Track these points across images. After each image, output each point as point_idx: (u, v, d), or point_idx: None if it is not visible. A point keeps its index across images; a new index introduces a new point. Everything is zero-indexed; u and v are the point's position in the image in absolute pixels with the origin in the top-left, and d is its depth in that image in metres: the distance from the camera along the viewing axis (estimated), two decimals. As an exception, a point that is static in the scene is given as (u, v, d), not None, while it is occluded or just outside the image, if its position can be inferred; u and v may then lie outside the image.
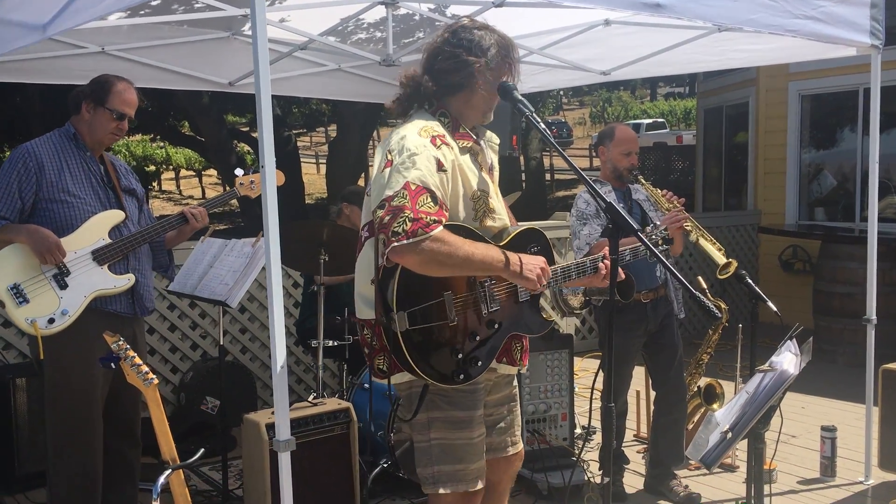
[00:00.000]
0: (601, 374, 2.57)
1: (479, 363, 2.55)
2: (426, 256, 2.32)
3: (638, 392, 5.14)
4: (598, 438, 5.15)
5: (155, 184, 29.77)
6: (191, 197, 29.98)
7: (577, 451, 4.67)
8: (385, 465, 4.23)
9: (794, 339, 2.54)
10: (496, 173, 2.79)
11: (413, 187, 2.35)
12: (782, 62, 4.99)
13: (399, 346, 2.42)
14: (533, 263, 2.53)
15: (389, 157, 2.46)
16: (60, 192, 3.32)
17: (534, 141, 21.49)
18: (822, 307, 7.19)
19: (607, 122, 40.28)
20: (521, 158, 16.98)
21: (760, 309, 3.72)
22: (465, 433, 2.61)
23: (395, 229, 2.30)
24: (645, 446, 4.98)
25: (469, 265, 2.42)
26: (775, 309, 3.57)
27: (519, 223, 2.78)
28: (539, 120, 2.54)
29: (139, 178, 3.83)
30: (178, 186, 31.10)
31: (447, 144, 2.51)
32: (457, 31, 2.62)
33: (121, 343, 2.59)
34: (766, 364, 2.17)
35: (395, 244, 2.30)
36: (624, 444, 4.80)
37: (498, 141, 2.85)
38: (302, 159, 18.78)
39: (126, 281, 3.40)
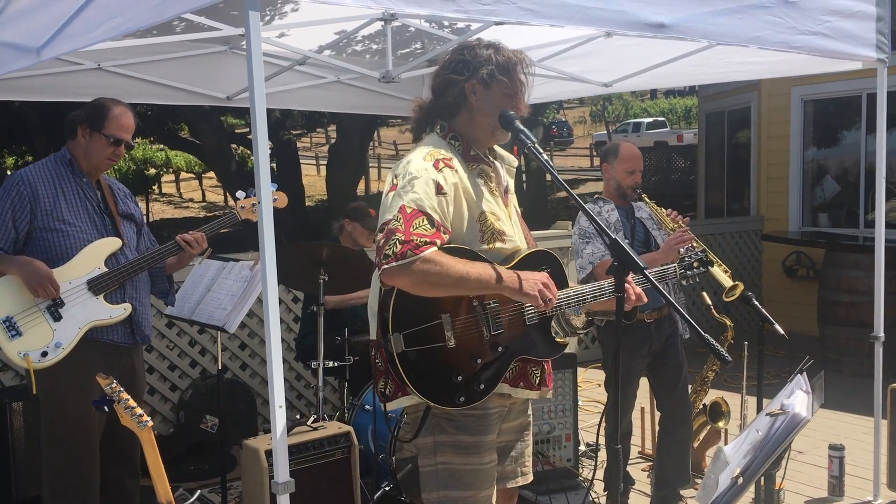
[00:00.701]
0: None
1: (482, 387, 2.50)
2: (416, 278, 2.31)
3: (643, 408, 5.08)
4: (602, 455, 5.10)
5: (155, 187, 29.73)
6: (191, 200, 29.96)
7: (581, 470, 4.63)
8: (387, 489, 4.18)
9: (805, 374, 2.48)
10: (512, 196, 2.75)
11: (409, 210, 2.35)
12: (786, 75, 4.92)
13: (396, 367, 2.41)
14: (533, 279, 2.46)
15: (395, 181, 2.47)
16: (56, 220, 3.25)
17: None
18: (827, 316, 7.12)
19: (607, 121, 40.28)
20: (522, 159, 16.93)
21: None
22: (473, 458, 2.56)
23: (386, 251, 2.31)
24: (650, 464, 4.93)
25: (464, 285, 2.39)
26: (782, 332, 3.52)
27: (530, 247, 2.72)
28: (541, 151, 2.48)
29: (136, 202, 3.75)
30: (178, 189, 31.08)
31: (451, 168, 2.49)
32: (455, 51, 2.64)
33: (114, 385, 2.53)
34: (778, 406, 2.12)
35: (385, 266, 2.31)
36: (629, 463, 4.74)
37: (516, 163, 2.82)
38: (302, 161, 18.73)
39: (122, 311, 3.33)
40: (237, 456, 4.82)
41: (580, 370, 5.55)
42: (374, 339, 2.55)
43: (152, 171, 29.01)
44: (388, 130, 34.73)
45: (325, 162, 19.77)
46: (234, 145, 17.52)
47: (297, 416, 6.13)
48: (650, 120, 35.53)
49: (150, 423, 2.53)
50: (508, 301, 2.52)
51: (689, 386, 4.80)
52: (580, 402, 4.73)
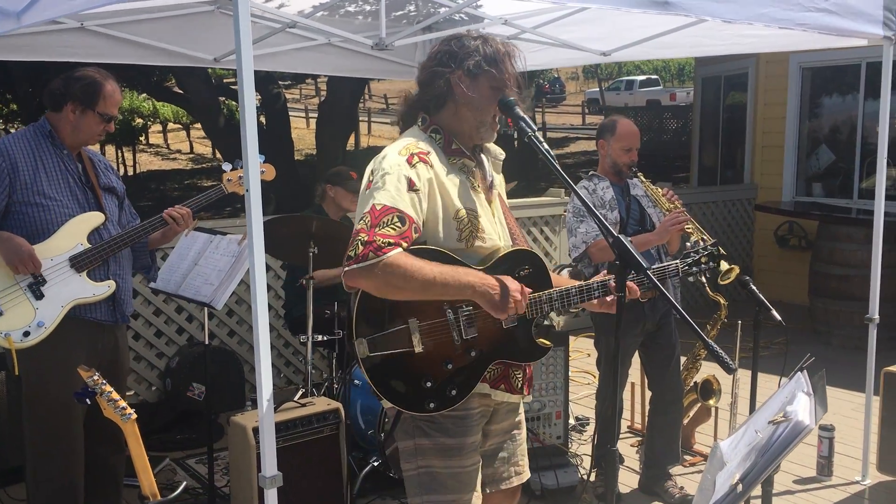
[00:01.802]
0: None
1: (454, 392, 2.40)
2: (379, 281, 2.23)
3: (633, 384, 5.06)
4: (590, 430, 5.10)
5: (142, 138, 29.37)
6: (179, 151, 29.65)
7: (571, 445, 4.61)
8: (375, 464, 4.15)
9: (806, 372, 2.42)
10: (499, 190, 2.65)
11: (378, 207, 2.27)
12: (788, 49, 4.81)
13: (363, 371, 2.34)
14: (506, 289, 2.34)
15: (371, 177, 2.38)
16: (35, 194, 3.14)
17: (526, 99, 21.27)
18: (819, 288, 7.11)
19: (600, 78, 39.88)
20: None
21: (758, 285, 3.67)
22: (455, 461, 2.48)
23: (349, 253, 2.23)
24: (639, 439, 4.92)
25: (430, 289, 2.28)
26: (779, 318, 3.47)
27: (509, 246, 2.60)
28: (542, 140, 2.38)
29: (117, 173, 3.63)
30: (165, 140, 30.73)
31: (426, 162, 2.38)
32: (443, 42, 2.54)
33: (96, 378, 2.46)
34: (780, 414, 2.07)
35: (347, 268, 2.23)
36: (619, 438, 4.73)
37: (503, 156, 2.69)
38: (291, 113, 18.46)
39: (106, 288, 3.24)
40: (224, 425, 4.79)
41: (570, 338, 5.52)
42: None
43: (139, 121, 28.57)
44: (379, 84, 34.34)
45: (315, 115, 19.51)
46: (222, 98, 17.19)
47: (286, 385, 6.11)
48: (643, 78, 35.22)
49: (134, 416, 2.46)
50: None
51: (682, 363, 4.79)
52: (569, 373, 4.70)
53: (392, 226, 2.24)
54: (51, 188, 3.18)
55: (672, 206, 3.90)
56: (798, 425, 2.00)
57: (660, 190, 4.01)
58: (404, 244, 2.25)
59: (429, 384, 2.37)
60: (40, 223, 3.15)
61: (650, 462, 4.28)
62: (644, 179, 4.03)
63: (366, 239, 2.21)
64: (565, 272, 4.41)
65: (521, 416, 2.73)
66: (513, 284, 2.37)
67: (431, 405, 2.38)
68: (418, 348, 2.35)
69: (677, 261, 2.87)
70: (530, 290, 2.43)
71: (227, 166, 3.63)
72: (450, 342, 2.40)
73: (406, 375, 2.35)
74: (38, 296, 3.11)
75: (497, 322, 2.46)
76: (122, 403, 2.45)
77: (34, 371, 3.18)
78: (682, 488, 4.21)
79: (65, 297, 3.15)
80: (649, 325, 4.06)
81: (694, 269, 2.87)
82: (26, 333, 3.07)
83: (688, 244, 2.89)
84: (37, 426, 3.26)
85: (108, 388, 2.44)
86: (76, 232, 3.21)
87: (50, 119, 3.27)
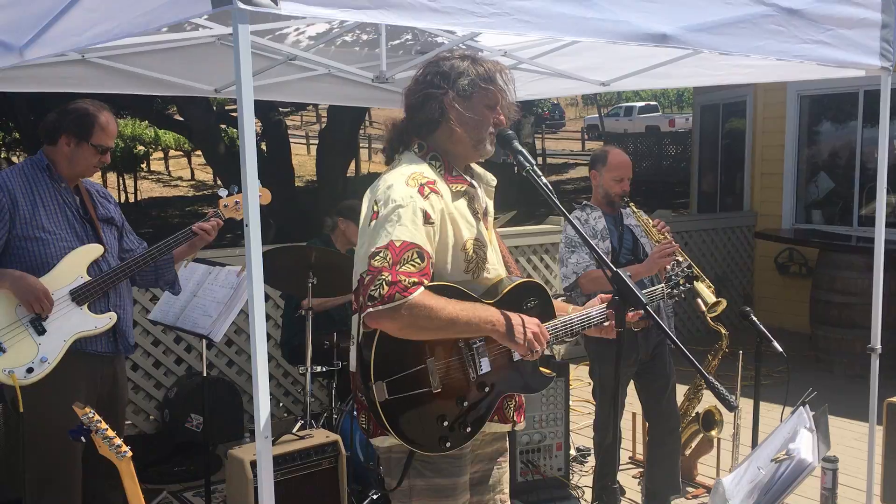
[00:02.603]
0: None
1: (468, 429, 2.39)
2: (404, 322, 2.17)
3: (634, 414, 5.03)
4: (591, 461, 5.05)
5: (144, 165, 29.45)
6: (180, 178, 29.72)
7: (572, 476, 4.58)
8: (374, 498, 4.11)
9: (807, 407, 2.41)
10: (491, 218, 2.63)
11: (398, 244, 2.20)
12: (786, 79, 4.83)
13: (379, 415, 2.28)
14: (524, 325, 2.34)
15: (375, 207, 2.31)
16: (35, 228, 3.13)
17: (525, 126, 21.32)
18: (820, 316, 7.09)
19: (599, 104, 40.05)
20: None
21: (757, 313, 3.67)
22: (448, 501, 2.46)
23: (372, 293, 2.16)
24: (640, 470, 4.88)
25: (453, 328, 2.26)
26: (781, 349, 3.46)
27: (513, 277, 2.60)
28: (540, 174, 2.38)
29: (115, 202, 3.61)
30: (166, 167, 30.81)
31: (436, 192, 2.34)
32: (430, 64, 2.50)
33: (91, 415, 2.43)
34: (783, 452, 2.05)
35: (371, 310, 2.16)
36: (619, 469, 4.69)
37: (495, 182, 2.67)
38: (291, 140, 18.50)
39: (108, 320, 3.22)
40: (222, 456, 4.75)
41: (571, 367, 5.49)
42: (353, 372, 2.42)
43: (141, 148, 28.67)
44: (380, 111, 34.44)
45: (316, 141, 19.58)
46: (223, 125, 17.27)
47: (285, 415, 6.07)
48: (642, 104, 35.41)
49: (129, 454, 2.44)
50: (494, 339, 2.42)
51: (684, 393, 4.76)
52: (570, 403, 4.67)
53: (412, 263, 2.19)
54: (49, 222, 3.18)
55: (661, 237, 3.90)
56: (801, 463, 1.99)
57: (650, 221, 4.02)
58: (426, 281, 2.21)
59: (445, 423, 2.34)
60: (40, 257, 3.14)
61: (651, 494, 4.24)
62: (636, 210, 4.04)
63: (390, 279, 2.15)
64: (559, 301, 4.40)
65: (506, 443, 2.71)
66: (532, 323, 2.36)
67: (448, 444, 2.35)
68: (436, 388, 2.31)
69: (661, 285, 2.93)
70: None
71: (223, 192, 3.58)
72: (465, 379, 2.37)
73: (423, 416, 2.31)
74: (40, 331, 3.09)
75: (507, 356, 2.45)
76: (118, 441, 2.42)
77: (35, 405, 3.14)
78: (684, 519, 4.18)
79: (67, 331, 3.13)
80: (643, 354, 4.05)
81: (675, 290, 2.94)
82: (30, 370, 3.04)
83: (667, 268, 2.95)
84: (36, 458, 3.21)
85: (104, 425, 2.42)
86: (76, 265, 3.19)
87: (46, 152, 3.27)
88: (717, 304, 3.81)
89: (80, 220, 3.29)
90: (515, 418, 2.60)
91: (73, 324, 3.15)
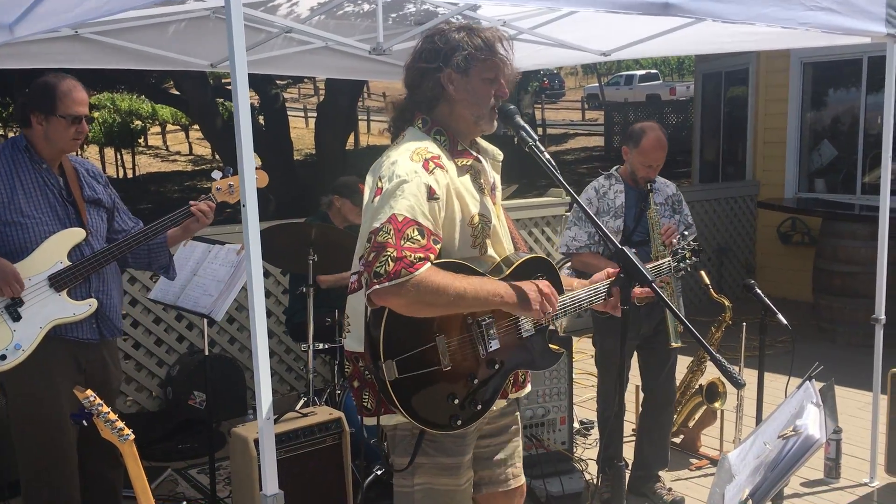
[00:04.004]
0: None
1: (479, 406, 2.39)
2: (411, 298, 2.14)
3: (637, 386, 5.01)
4: (595, 434, 5.05)
5: (141, 140, 29.30)
6: (178, 153, 29.58)
7: (575, 450, 4.57)
8: (378, 473, 4.12)
9: (813, 381, 2.39)
10: (498, 193, 2.59)
11: (400, 219, 2.16)
12: (789, 47, 4.76)
13: (389, 394, 2.25)
14: (535, 291, 2.33)
15: (380, 184, 2.27)
16: (13, 212, 3.03)
17: (525, 97, 21.19)
18: (823, 286, 7.07)
19: (599, 73, 39.72)
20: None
21: (759, 283, 3.65)
22: (451, 479, 2.46)
23: (377, 269, 2.12)
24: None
25: (461, 303, 2.23)
26: (785, 322, 3.43)
27: (521, 253, 2.58)
28: (543, 149, 2.34)
29: (107, 182, 3.47)
30: (164, 142, 30.66)
31: (441, 167, 2.30)
32: (425, 39, 2.43)
33: (92, 399, 2.41)
34: (790, 428, 2.03)
35: (377, 286, 2.12)
36: (623, 441, 4.69)
37: (501, 157, 2.63)
38: (290, 113, 18.40)
39: (87, 307, 3.12)
40: (226, 433, 4.75)
41: (573, 339, 5.47)
42: (357, 352, 2.39)
43: (138, 123, 28.49)
44: (378, 83, 34.25)
45: (314, 115, 19.44)
46: (220, 100, 17.13)
47: (288, 391, 6.07)
48: (643, 72, 35.16)
49: (132, 437, 2.42)
50: (503, 315, 2.39)
51: (687, 365, 4.75)
52: (573, 377, 4.66)
53: (414, 239, 2.16)
54: (28, 206, 3.08)
55: (664, 249, 3.83)
56: (808, 439, 1.97)
57: (662, 228, 3.94)
58: (432, 257, 2.18)
59: (456, 401, 2.32)
60: (18, 242, 3.05)
61: (639, 464, 4.25)
62: (653, 214, 3.95)
63: (395, 255, 2.12)
64: (565, 270, 4.37)
65: (516, 416, 2.70)
66: (543, 286, 2.35)
67: (458, 422, 2.34)
68: (446, 365, 2.29)
69: (668, 258, 2.91)
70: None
71: (216, 174, 3.45)
72: (475, 356, 2.36)
73: (434, 394, 2.30)
74: (16, 317, 3.01)
75: (516, 333, 2.45)
76: (120, 424, 2.41)
77: (21, 393, 3.11)
78: (670, 490, 4.19)
79: (43, 317, 3.04)
80: (645, 328, 4.03)
81: (681, 264, 2.93)
82: (2, 357, 2.97)
83: (673, 241, 2.93)
84: (28, 447, 3.18)
85: (105, 408, 2.40)
86: (55, 250, 3.09)
87: (25, 134, 3.17)
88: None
89: (62, 203, 3.17)
90: (521, 387, 2.61)
91: (49, 310, 3.06)
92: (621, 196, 3.97)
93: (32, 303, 3.04)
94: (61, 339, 3.12)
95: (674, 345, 3.96)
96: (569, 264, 4.30)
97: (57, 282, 3.08)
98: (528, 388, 2.70)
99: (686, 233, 3.48)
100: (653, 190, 3.97)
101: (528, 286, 2.33)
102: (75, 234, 3.15)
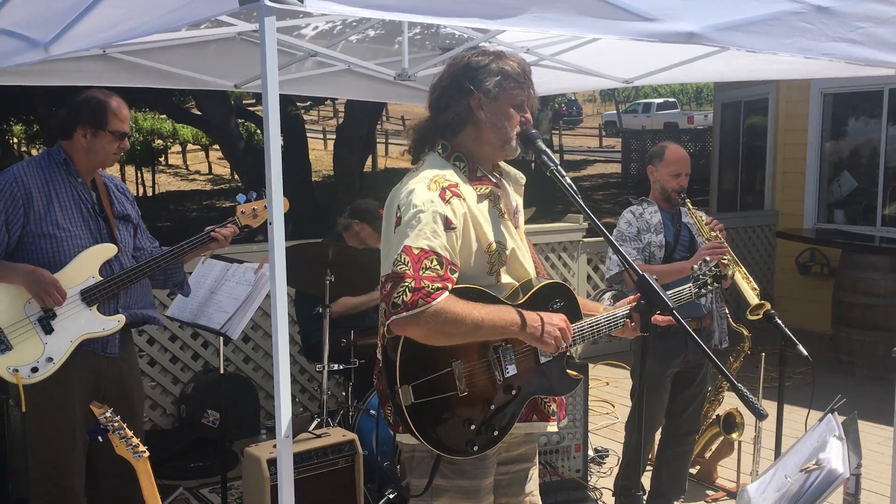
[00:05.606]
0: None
1: (496, 432, 2.37)
2: (429, 328, 2.16)
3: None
4: (609, 462, 5.01)
5: (161, 159, 29.58)
6: (197, 172, 29.84)
7: (590, 478, 4.53)
8: (390, 497, 4.09)
9: (835, 414, 2.36)
10: (521, 216, 2.60)
11: (416, 251, 2.18)
12: (811, 77, 4.75)
13: (405, 418, 2.25)
14: (552, 324, 2.33)
15: (398, 213, 2.29)
16: (49, 224, 3.07)
17: (543, 122, 21.23)
18: (843, 317, 7.00)
19: (617, 101, 39.86)
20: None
21: (780, 313, 3.62)
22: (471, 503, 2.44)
23: (395, 300, 2.14)
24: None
25: (479, 333, 2.25)
26: (806, 353, 3.40)
27: (540, 279, 2.57)
28: (564, 173, 2.34)
29: (133, 198, 3.54)
30: (184, 161, 30.94)
31: (458, 196, 2.31)
32: (455, 63, 2.46)
33: (108, 415, 2.41)
34: (813, 461, 2.00)
35: (395, 317, 2.15)
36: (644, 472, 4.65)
37: (524, 180, 2.64)
38: (309, 135, 18.55)
39: (116, 323, 3.16)
40: (238, 452, 4.74)
41: (589, 365, 5.44)
42: (379, 366, 2.40)
43: (159, 142, 28.79)
44: (397, 106, 34.48)
45: (333, 137, 19.57)
46: (241, 120, 17.28)
47: (301, 411, 6.05)
48: (660, 100, 35.21)
49: (147, 454, 2.42)
50: (520, 340, 2.38)
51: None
52: (588, 404, 4.62)
53: (432, 269, 2.17)
54: (64, 219, 3.12)
55: (714, 234, 3.86)
56: (832, 474, 1.94)
57: (703, 217, 3.97)
58: (450, 286, 2.19)
59: (472, 426, 2.31)
60: (52, 255, 3.08)
61: (656, 493, 4.21)
62: (691, 207, 3.99)
63: (413, 285, 2.13)
64: (608, 295, 4.36)
65: (535, 445, 2.69)
66: (558, 319, 2.35)
67: (475, 448, 2.33)
68: (463, 391, 2.29)
69: (689, 284, 2.88)
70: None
71: (241, 197, 3.52)
72: (492, 382, 2.35)
73: (450, 420, 2.29)
74: (48, 330, 3.04)
75: (533, 358, 2.44)
76: (135, 441, 2.40)
77: (36, 404, 3.11)
78: (688, 520, 4.14)
79: (74, 331, 3.07)
80: (690, 356, 3.99)
81: (703, 290, 2.90)
82: (34, 369, 3.00)
83: (694, 267, 2.90)
84: (37, 457, 3.18)
85: (121, 424, 2.40)
86: (88, 264, 3.13)
87: (63, 147, 3.21)
88: (759, 306, 3.74)
89: (94, 218, 3.22)
90: (557, 416, 2.60)
91: (80, 325, 3.09)
92: (657, 215, 4.01)
93: (65, 316, 3.07)
94: (84, 351, 3.14)
95: (758, 304, 3.83)
96: (610, 294, 4.29)
97: (89, 297, 3.11)
98: (565, 421, 2.69)
99: (707, 258, 3.46)
100: (685, 200, 3.96)
101: (546, 318, 2.33)
102: (107, 250, 3.19)
